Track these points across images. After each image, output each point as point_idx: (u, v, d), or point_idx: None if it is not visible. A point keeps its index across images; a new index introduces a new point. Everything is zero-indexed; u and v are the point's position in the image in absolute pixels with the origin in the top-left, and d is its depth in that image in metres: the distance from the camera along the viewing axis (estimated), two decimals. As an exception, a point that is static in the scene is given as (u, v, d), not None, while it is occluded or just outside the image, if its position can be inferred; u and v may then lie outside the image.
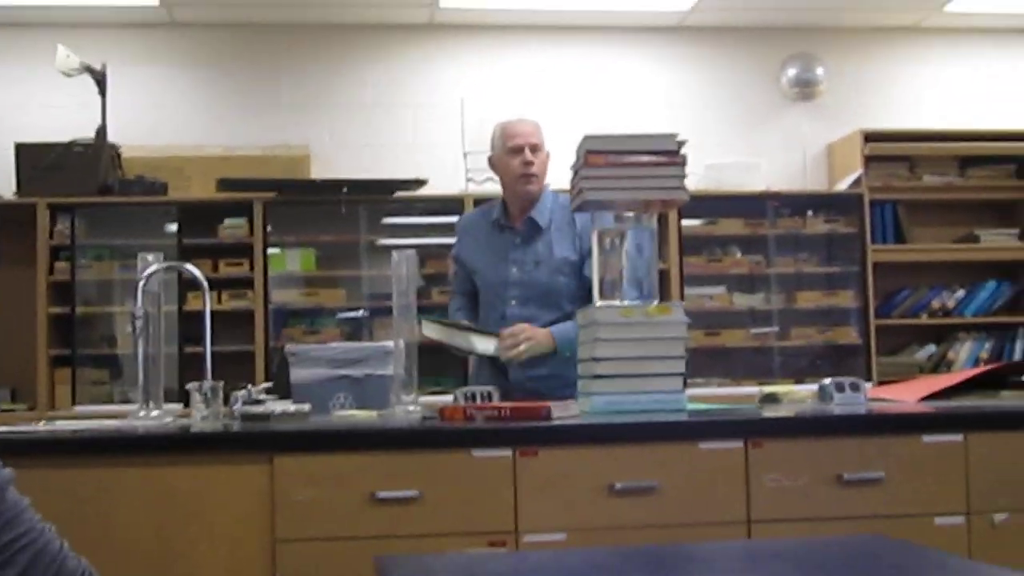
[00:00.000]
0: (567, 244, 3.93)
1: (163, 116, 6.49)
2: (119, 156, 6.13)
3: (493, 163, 4.04)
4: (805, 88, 6.80)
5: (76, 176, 5.92)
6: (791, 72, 6.79)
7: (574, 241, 3.91)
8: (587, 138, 3.18)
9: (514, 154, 3.95)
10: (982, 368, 4.17)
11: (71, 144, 5.95)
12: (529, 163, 3.93)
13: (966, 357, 6.60)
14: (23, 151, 5.97)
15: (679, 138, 3.17)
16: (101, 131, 5.94)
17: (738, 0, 6.49)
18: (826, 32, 6.95)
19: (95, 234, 6.15)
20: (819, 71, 6.78)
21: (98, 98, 5.91)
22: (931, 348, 6.67)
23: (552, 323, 3.83)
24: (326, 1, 6.33)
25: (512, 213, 4.03)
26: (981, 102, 6.99)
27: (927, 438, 2.89)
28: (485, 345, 3.76)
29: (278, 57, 6.65)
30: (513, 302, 3.88)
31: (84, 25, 6.42)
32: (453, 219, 6.14)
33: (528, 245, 3.95)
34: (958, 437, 2.90)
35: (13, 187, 5.99)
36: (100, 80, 5.92)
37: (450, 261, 4.47)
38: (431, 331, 3.72)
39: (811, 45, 6.86)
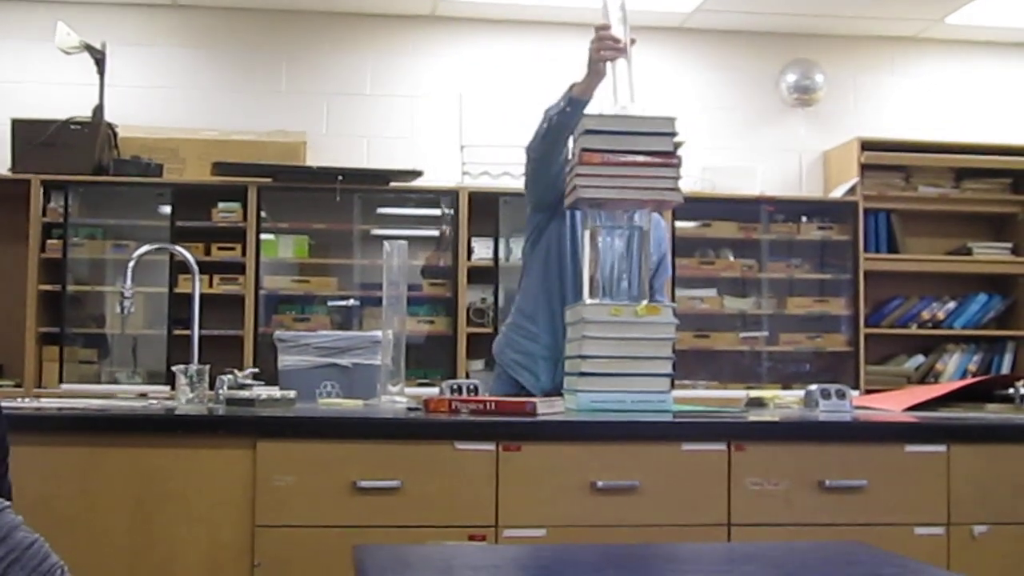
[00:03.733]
0: None
1: (161, 97, 6.48)
2: (115, 136, 6.11)
3: None
4: (804, 94, 6.79)
5: (71, 154, 5.91)
6: (790, 78, 6.79)
7: None
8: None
9: None
10: (968, 380, 4.18)
11: (68, 122, 5.93)
12: None
13: (954, 369, 6.61)
14: (19, 127, 5.95)
15: (677, 139, 3.17)
16: (98, 110, 5.92)
17: (741, 4, 6.48)
18: (827, 39, 6.95)
19: (88, 213, 6.13)
20: (818, 78, 6.78)
21: (96, 77, 5.90)
22: (920, 359, 6.68)
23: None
24: (328, -12, 6.32)
25: None
26: (979, 115, 7.00)
27: (910, 448, 2.90)
28: None
29: (278, 43, 6.64)
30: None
31: (85, 3, 6.41)
32: (447, 212, 6.19)
33: None
34: (941, 448, 2.90)
35: (8, 163, 5.97)
36: (99, 59, 5.90)
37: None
38: None
39: (811, 52, 6.86)
